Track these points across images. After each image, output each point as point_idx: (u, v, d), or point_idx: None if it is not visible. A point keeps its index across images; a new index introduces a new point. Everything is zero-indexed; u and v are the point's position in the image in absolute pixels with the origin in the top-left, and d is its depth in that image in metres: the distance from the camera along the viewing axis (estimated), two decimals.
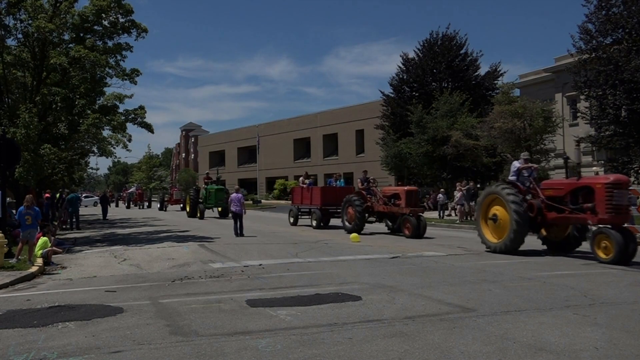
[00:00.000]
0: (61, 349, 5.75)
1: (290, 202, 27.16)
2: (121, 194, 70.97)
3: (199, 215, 31.75)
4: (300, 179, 25.75)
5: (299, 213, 24.75)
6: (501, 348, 5.55)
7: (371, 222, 21.24)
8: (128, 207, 53.91)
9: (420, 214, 18.93)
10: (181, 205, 44.12)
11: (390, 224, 20.88)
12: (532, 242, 14.68)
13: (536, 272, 10.56)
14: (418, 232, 18.21)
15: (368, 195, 20.81)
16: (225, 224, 25.97)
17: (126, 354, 5.55)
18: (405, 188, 20.27)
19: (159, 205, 46.89)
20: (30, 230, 13.11)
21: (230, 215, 21.45)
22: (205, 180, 34.23)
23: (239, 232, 19.37)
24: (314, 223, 23.03)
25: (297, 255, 13.56)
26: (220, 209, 32.09)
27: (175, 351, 5.60)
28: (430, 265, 11.64)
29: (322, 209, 22.86)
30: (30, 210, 13.05)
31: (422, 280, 9.67)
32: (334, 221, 23.46)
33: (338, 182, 25.44)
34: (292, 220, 25.15)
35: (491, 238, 14.29)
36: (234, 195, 20.17)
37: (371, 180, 21.69)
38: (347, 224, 20.54)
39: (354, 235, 17.94)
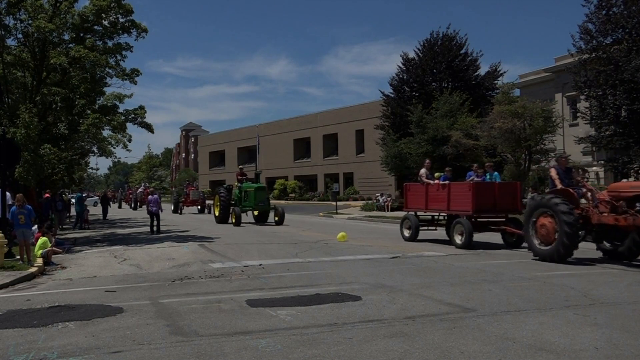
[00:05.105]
0: (61, 349, 5.75)
1: (404, 206, 18.31)
2: (124, 193, 66.33)
3: (233, 220, 24.89)
4: (422, 171, 16.69)
5: (420, 223, 17.03)
6: (501, 348, 5.55)
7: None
8: (134, 208, 48.29)
9: None
10: (198, 207, 40.02)
11: (608, 245, 12.15)
12: None
13: (536, 272, 10.55)
14: None
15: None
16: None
17: (126, 354, 5.55)
18: None
19: (172, 207, 39.26)
20: (24, 229, 12.78)
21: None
22: (239, 177, 27.92)
23: (155, 230, 21.37)
24: (459, 240, 14.61)
25: (297, 255, 13.55)
26: (256, 212, 26.98)
27: (175, 351, 5.60)
28: (430, 265, 11.63)
29: (473, 218, 14.85)
30: (22, 209, 12.82)
31: (422, 280, 9.67)
32: (481, 236, 15.64)
33: (489, 176, 16.06)
34: (407, 233, 16.88)
35: None
36: (150, 197, 22.24)
37: (576, 172, 13.11)
38: (539, 245, 12.02)
39: (341, 235, 17.19)
